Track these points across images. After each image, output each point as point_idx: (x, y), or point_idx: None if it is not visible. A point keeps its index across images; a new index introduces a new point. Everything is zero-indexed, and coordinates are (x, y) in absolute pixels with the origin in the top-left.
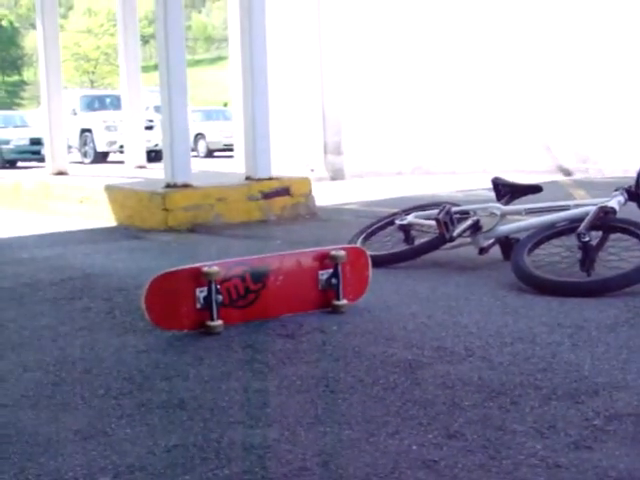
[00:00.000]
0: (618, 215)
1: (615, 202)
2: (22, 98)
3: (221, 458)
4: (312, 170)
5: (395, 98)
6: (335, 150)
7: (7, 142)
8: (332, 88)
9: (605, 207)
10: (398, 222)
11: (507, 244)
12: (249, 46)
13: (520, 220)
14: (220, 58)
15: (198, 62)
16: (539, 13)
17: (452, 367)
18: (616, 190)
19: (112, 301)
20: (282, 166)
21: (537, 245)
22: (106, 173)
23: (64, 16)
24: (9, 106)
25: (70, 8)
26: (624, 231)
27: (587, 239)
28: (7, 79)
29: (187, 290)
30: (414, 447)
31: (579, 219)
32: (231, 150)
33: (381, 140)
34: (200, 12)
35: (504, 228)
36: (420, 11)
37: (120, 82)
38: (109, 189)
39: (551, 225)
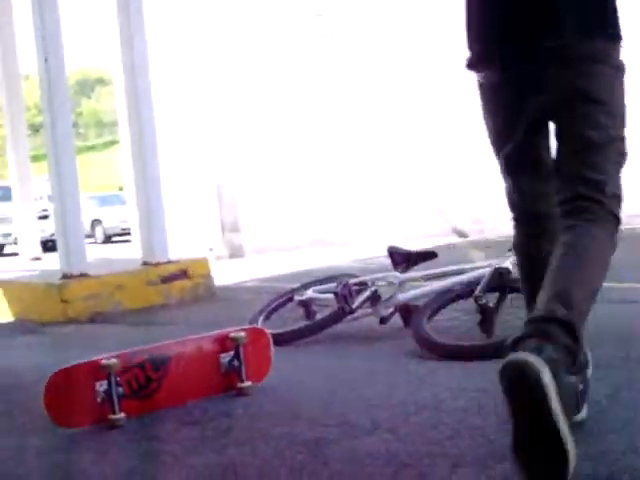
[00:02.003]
0: (513, 275)
1: (509, 262)
2: None
3: None
4: (211, 249)
5: (288, 172)
6: (233, 227)
7: None
8: (226, 165)
9: (500, 268)
10: (297, 298)
11: (407, 312)
12: (138, 130)
13: (418, 287)
14: (113, 142)
15: (91, 148)
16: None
17: (359, 442)
18: (509, 250)
19: (10, 400)
20: (180, 246)
21: (436, 311)
22: (1, 267)
23: None
24: None
25: None
26: (520, 290)
27: (484, 301)
28: None
29: (86, 385)
30: None
31: (475, 282)
32: (129, 234)
33: (278, 215)
34: (90, 98)
35: (403, 296)
36: (292, 81)
37: (9, 173)
38: (4, 283)
39: (449, 290)
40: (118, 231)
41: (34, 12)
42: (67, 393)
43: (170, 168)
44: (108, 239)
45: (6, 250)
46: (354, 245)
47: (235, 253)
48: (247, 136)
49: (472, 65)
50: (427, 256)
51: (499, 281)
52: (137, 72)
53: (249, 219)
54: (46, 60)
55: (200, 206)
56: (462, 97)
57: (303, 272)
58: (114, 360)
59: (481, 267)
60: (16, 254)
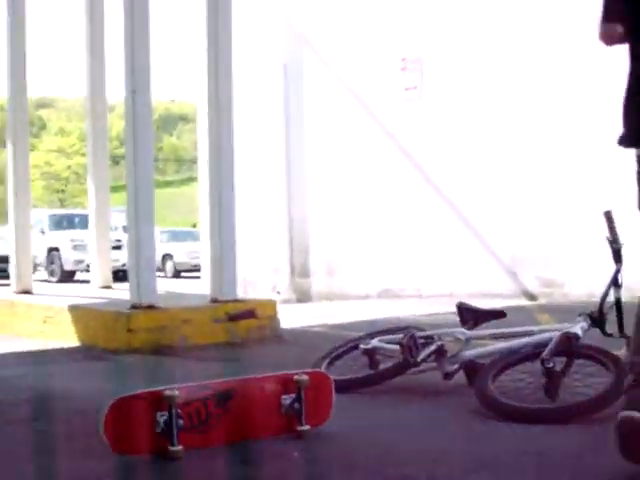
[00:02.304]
0: (582, 341)
1: (578, 328)
2: None
3: None
4: (278, 292)
5: (360, 220)
6: (302, 272)
7: None
8: (298, 211)
9: (568, 333)
10: (362, 346)
11: (472, 369)
12: (217, 171)
13: (485, 345)
14: (190, 179)
15: (168, 183)
16: (505, 132)
17: None
18: (579, 315)
19: (71, 424)
20: (248, 288)
21: (502, 371)
22: (72, 292)
23: (36, 135)
24: None
25: (43, 128)
26: (588, 357)
27: (551, 365)
28: None
29: (147, 414)
30: None
31: (543, 345)
32: (198, 270)
33: (348, 263)
34: (171, 134)
35: (469, 353)
36: (377, 132)
37: (88, 201)
38: (73, 309)
39: (515, 351)
40: (188, 267)
41: (126, 44)
42: (127, 420)
43: (245, 208)
44: (177, 274)
45: (77, 277)
46: (423, 299)
47: (303, 298)
48: (321, 181)
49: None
50: (496, 315)
51: (567, 346)
52: (221, 111)
53: (319, 265)
54: (134, 92)
55: (271, 249)
56: (540, 151)
57: (369, 321)
58: (177, 392)
59: (550, 330)
60: (87, 281)
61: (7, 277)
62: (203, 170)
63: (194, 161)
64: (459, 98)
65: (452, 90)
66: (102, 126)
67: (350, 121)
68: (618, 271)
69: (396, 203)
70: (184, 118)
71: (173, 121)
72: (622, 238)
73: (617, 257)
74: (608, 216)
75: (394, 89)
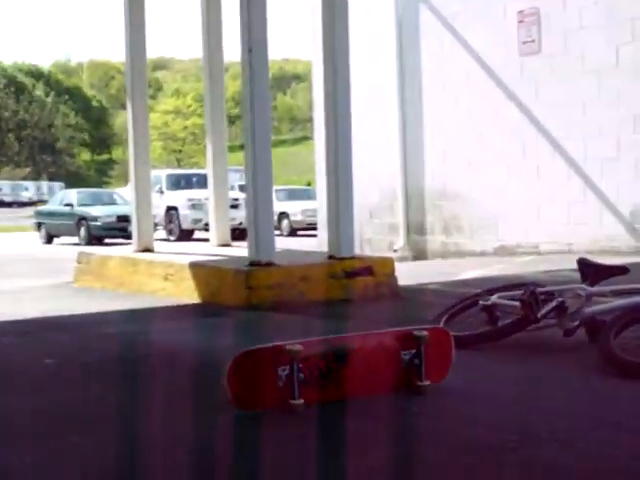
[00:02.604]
0: None
1: None
2: (110, 176)
3: None
4: (395, 250)
5: (476, 175)
6: (418, 230)
7: (95, 219)
8: (415, 167)
9: None
10: (482, 303)
11: (593, 326)
12: (334, 126)
13: (606, 302)
14: (304, 138)
15: (282, 142)
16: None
17: (536, 451)
18: None
19: (194, 378)
20: (364, 246)
21: (624, 327)
22: (191, 250)
23: (153, 97)
24: (98, 184)
25: (159, 89)
26: None
27: None
28: (97, 158)
29: (269, 368)
30: None
31: None
32: (314, 229)
33: (464, 220)
34: (285, 93)
35: (590, 310)
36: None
37: (206, 161)
38: (193, 266)
39: (638, 307)
40: (303, 225)
41: (241, 2)
42: (250, 374)
43: (361, 166)
44: (293, 232)
45: (195, 235)
46: (541, 256)
47: (419, 255)
48: (437, 140)
49: None
50: (618, 271)
51: None
52: (337, 69)
53: (435, 222)
54: (250, 51)
55: (387, 206)
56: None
57: (487, 278)
58: (298, 347)
59: None
60: (205, 239)
61: (128, 237)
62: (319, 129)
63: (308, 120)
64: (576, 50)
65: (569, 42)
66: (219, 87)
67: (467, 78)
68: None
69: (512, 159)
70: (298, 77)
71: (287, 80)
72: None
73: None
74: None
75: (511, 43)
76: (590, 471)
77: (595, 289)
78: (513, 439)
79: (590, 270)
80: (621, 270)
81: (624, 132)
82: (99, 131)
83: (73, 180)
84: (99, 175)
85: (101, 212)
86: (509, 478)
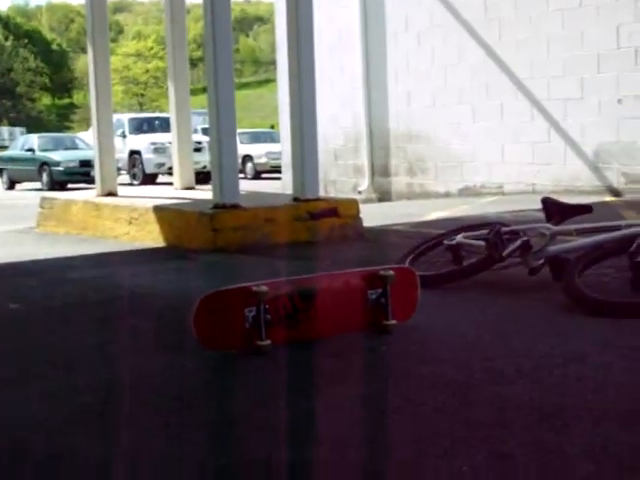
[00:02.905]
0: None
1: None
2: (72, 121)
3: (270, 477)
4: (359, 191)
5: (441, 118)
6: (383, 171)
7: (57, 164)
8: (379, 110)
9: None
10: (447, 243)
11: (557, 264)
12: (297, 68)
13: (570, 240)
14: (267, 80)
15: (245, 85)
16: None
17: (502, 388)
18: None
19: (160, 320)
20: (329, 187)
21: (588, 265)
22: (155, 194)
23: (114, 40)
24: (59, 129)
25: (120, 32)
26: None
27: (639, 259)
28: (58, 102)
29: (236, 309)
30: (464, 468)
31: (630, 239)
32: (278, 172)
33: (428, 161)
34: (247, 35)
35: (554, 248)
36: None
37: (169, 104)
38: (158, 210)
39: (602, 245)
40: (267, 168)
41: None
42: (216, 316)
43: (325, 108)
44: (257, 175)
45: (159, 180)
46: (505, 196)
47: (384, 197)
48: (401, 81)
49: None
50: (582, 210)
51: None
52: (300, 10)
53: (400, 164)
54: None
55: (351, 148)
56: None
57: (451, 219)
58: (264, 288)
59: (637, 225)
60: (169, 183)
61: (91, 181)
62: (282, 72)
63: (271, 62)
64: None
65: None
66: (181, 29)
67: (431, 19)
68: None
69: (476, 100)
70: (260, 19)
71: (249, 22)
72: None
73: None
74: None
75: None
76: (555, 405)
77: (559, 228)
78: (479, 377)
79: (554, 209)
80: (585, 209)
81: (588, 72)
82: (60, 75)
83: (34, 125)
84: (60, 120)
85: (63, 157)
86: (477, 414)
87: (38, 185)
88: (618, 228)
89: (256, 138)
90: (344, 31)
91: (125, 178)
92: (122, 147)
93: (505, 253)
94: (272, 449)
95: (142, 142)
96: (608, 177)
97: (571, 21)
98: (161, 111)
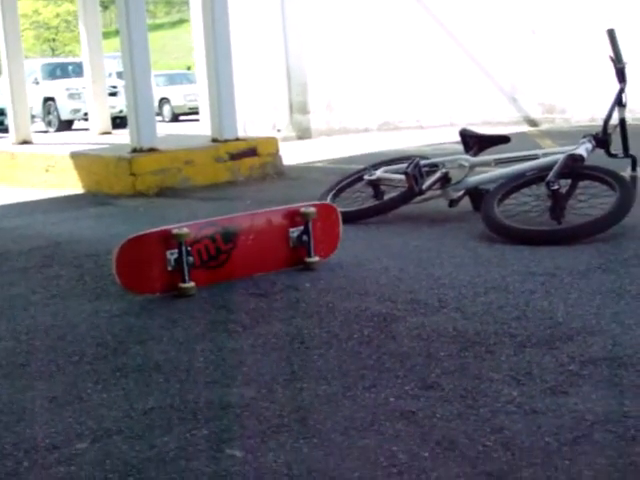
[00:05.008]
0: (586, 162)
1: (583, 149)
2: None
3: (199, 418)
4: (278, 130)
5: (359, 54)
6: (301, 109)
7: None
8: (296, 46)
9: (573, 155)
10: (367, 177)
11: (477, 195)
12: (210, 7)
13: (489, 171)
14: (181, 21)
15: (159, 26)
16: None
17: (426, 319)
18: (584, 137)
19: (82, 268)
20: (248, 127)
21: (507, 195)
22: (71, 141)
23: None
24: None
25: None
26: (593, 178)
27: (556, 187)
28: None
29: (157, 253)
30: (391, 399)
31: (548, 168)
32: (196, 113)
33: (347, 97)
34: None
35: (473, 179)
36: None
37: (81, 49)
38: (75, 156)
39: (520, 175)
40: (185, 110)
41: None
42: (138, 260)
43: (240, 48)
44: (175, 118)
45: (75, 126)
46: (424, 130)
47: (303, 135)
48: (318, 15)
49: None
50: (500, 140)
51: (572, 167)
52: None
53: (318, 101)
54: None
55: (269, 87)
56: None
57: (371, 154)
58: (185, 230)
59: (554, 153)
60: (85, 129)
61: (4, 130)
62: (195, 12)
63: (185, 2)
64: None
65: None
66: None
67: None
68: (622, 90)
69: (393, 34)
70: None
71: None
72: (625, 57)
73: (621, 76)
74: (611, 34)
75: None
76: (478, 333)
77: (478, 159)
78: (404, 308)
79: (472, 140)
80: (503, 139)
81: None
82: None
83: None
84: None
85: None
86: (402, 346)
87: None
88: (535, 157)
89: (172, 80)
90: None
91: (40, 126)
92: (36, 94)
93: (425, 186)
94: (199, 391)
95: (56, 88)
96: (525, 108)
97: None
98: (74, 56)
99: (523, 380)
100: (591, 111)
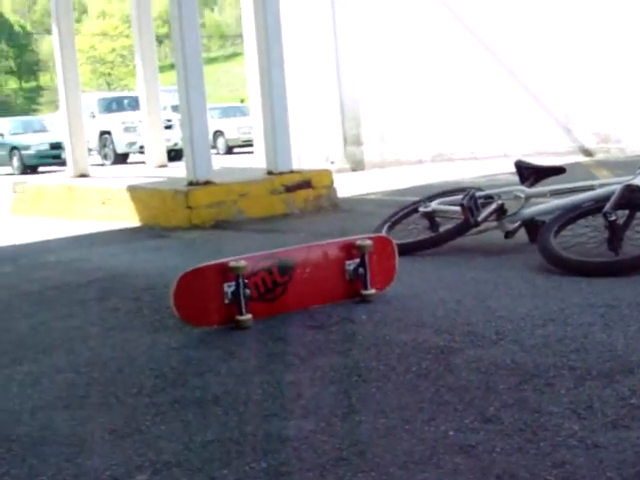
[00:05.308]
0: None
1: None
2: (39, 103)
3: (257, 451)
4: (332, 162)
5: (413, 86)
6: (354, 141)
7: (27, 147)
8: (349, 79)
9: (631, 185)
10: (422, 209)
11: (533, 226)
12: (265, 41)
13: (545, 202)
14: (235, 54)
15: (213, 60)
16: None
17: (484, 351)
18: None
19: (140, 300)
20: (302, 159)
21: (563, 226)
22: (127, 174)
23: (78, 20)
24: (27, 112)
25: (84, 12)
26: None
27: (614, 218)
28: (24, 85)
29: (215, 286)
30: (451, 433)
31: (605, 199)
32: (250, 146)
33: (400, 129)
34: (213, 10)
35: (529, 211)
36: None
37: (137, 83)
38: (132, 189)
39: (577, 206)
40: (239, 143)
41: None
42: (196, 293)
43: (295, 81)
44: (230, 150)
45: (130, 159)
46: (478, 161)
47: (356, 166)
48: (372, 48)
49: None
50: (555, 171)
51: (630, 198)
52: None
53: (371, 133)
54: None
55: (322, 119)
56: (597, 9)
57: (426, 186)
58: (243, 262)
59: (611, 184)
60: (141, 162)
61: (62, 164)
62: (249, 45)
63: (238, 36)
64: None
65: None
66: (146, 6)
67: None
68: None
69: (447, 66)
70: None
71: None
72: None
73: None
74: None
75: None
76: (537, 366)
77: (534, 190)
78: (461, 341)
79: (528, 172)
80: (558, 170)
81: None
82: (25, 58)
83: (1, 109)
84: (28, 103)
85: (33, 140)
86: (461, 378)
87: (9, 170)
88: (592, 188)
89: (226, 113)
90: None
91: (96, 159)
92: (92, 127)
93: (481, 218)
94: (258, 423)
95: (112, 122)
96: (579, 138)
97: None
98: (129, 90)
99: (583, 414)
100: None
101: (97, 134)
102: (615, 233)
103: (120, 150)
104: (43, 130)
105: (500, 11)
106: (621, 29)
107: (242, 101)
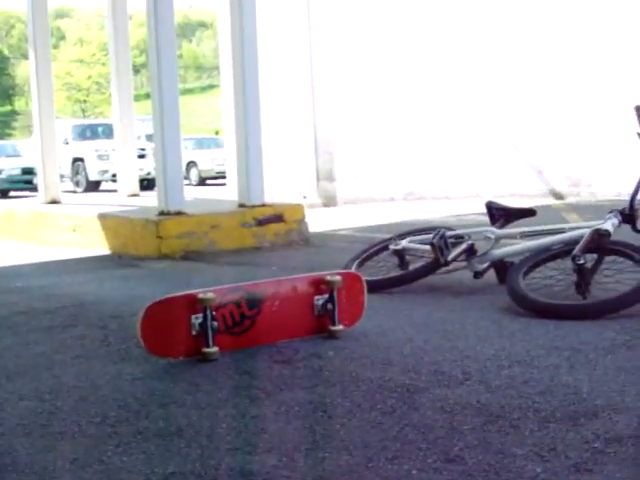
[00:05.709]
0: (613, 237)
1: (609, 224)
2: (13, 128)
3: None
4: (304, 197)
5: (387, 124)
6: (327, 176)
7: None
8: (324, 114)
9: (600, 230)
10: (392, 247)
11: (502, 267)
12: (241, 75)
13: (515, 244)
14: (211, 86)
15: (189, 91)
16: (529, 32)
17: (450, 391)
18: (610, 212)
19: (107, 329)
20: (274, 193)
21: (532, 268)
22: (99, 202)
23: (55, 46)
24: (0, 136)
25: (62, 38)
26: (619, 253)
27: (582, 262)
28: None
29: (182, 317)
30: (414, 472)
31: (574, 242)
32: (223, 177)
33: (373, 166)
34: (190, 41)
35: (499, 252)
36: (409, 39)
37: (112, 111)
38: (102, 217)
39: (546, 248)
40: (212, 174)
41: None
42: (163, 323)
43: (269, 114)
44: (202, 181)
45: (102, 187)
46: (450, 200)
47: (328, 202)
48: (346, 87)
49: None
50: (525, 213)
51: (598, 242)
52: (244, 13)
53: (344, 169)
54: None
55: (296, 154)
56: (566, 48)
57: (397, 224)
58: (211, 294)
59: (580, 227)
60: (112, 190)
61: (34, 189)
62: (226, 77)
63: (215, 68)
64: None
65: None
66: (123, 34)
67: (373, 27)
68: None
69: (421, 106)
70: (203, 24)
71: (192, 28)
72: None
73: None
74: (639, 111)
75: None
76: (502, 407)
77: (504, 231)
78: (427, 380)
79: (498, 213)
80: (529, 212)
81: (530, 75)
82: (0, 81)
83: None
84: (1, 127)
85: (5, 165)
86: (426, 418)
87: None
88: (562, 231)
89: (201, 144)
90: (288, 34)
91: (68, 185)
92: (65, 154)
93: (450, 257)
94: (221, 457)
95: (85, 149)
96: (550, 181)
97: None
98: (104, 118)
99: (547, 456)
100: (617, 186)
101: (70, 161)
102: (583, 277)
103: (92, 178)
104: (16, 155)
105: (476, 53)
106: (594, 75)
107: (217, 133)
